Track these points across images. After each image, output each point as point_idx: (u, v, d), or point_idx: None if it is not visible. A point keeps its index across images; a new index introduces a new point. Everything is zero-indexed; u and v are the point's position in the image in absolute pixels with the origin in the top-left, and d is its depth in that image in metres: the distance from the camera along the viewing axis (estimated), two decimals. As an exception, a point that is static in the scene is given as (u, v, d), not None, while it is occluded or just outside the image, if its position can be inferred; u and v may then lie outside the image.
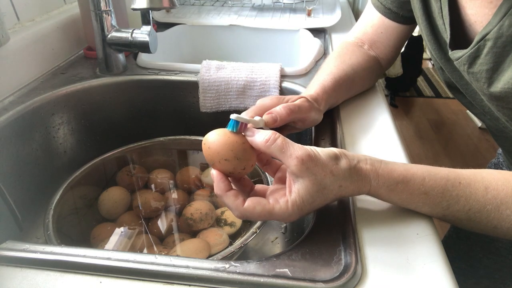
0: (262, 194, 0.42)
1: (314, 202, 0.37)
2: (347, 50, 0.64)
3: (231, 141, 0.38)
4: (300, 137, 0.73)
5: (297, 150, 0.36)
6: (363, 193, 0.39)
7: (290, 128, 0.53)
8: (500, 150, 0.74)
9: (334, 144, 0.54)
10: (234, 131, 0.38)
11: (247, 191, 0.43)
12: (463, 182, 0.38)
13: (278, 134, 0.37)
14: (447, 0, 0.46)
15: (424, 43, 0.56)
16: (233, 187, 0.40)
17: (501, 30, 0.40)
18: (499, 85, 0.42)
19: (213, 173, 0.39)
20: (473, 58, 0.44)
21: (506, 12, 0.39)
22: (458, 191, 0.38)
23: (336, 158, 0.37)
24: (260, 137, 0.37)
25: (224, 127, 0.40)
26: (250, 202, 0.37)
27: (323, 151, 0.37)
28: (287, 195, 0.37)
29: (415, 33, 0.66)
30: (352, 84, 0.61)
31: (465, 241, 0.78)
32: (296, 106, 0.48)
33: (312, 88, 0.56)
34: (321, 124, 0.58)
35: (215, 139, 0.38)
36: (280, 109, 0.46)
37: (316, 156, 0.36)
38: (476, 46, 0.43)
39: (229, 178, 0.40)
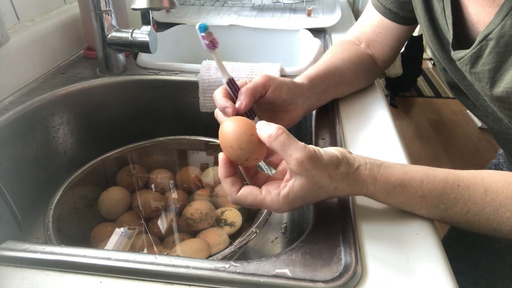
0: (263, 181, 0.42)
1: (306, 198, 0.37)
2: (340, 46, 0.64)
3: (239, 131, 0.38)
4: (301, 137, 0.73)
5: (298, 150, 0.35)
6: (359, 194, 0.39)
7: (285, 118, 0.52)
8: (500, 151, 0.74)
9: (334, 143, 0.54)
10: (204, 33, 0.44)
11: (250, 175, 0.43)
12: (462, 184, 0.38)
13: (282, 129, 0.36)
14: None
15: (424, 43, 0.56)
16: (239, 170, 0.40)
17: (503, 29, 0.39)
18: (501, 85, 0.42)
19: (220, 156, 0.40)
20: (475, 58, 0.43)
21: (508, 12, 0.39)
22: (456, 194, 0.38)
23: (338, 163, 0.37)
24: (265, 131, 0.37)
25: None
26: (243, 191, 0.38)
27: (326, 153, 0.37)
28: (281, 187, 0.37)
29: (415, 33, 0.66)
30: (343, 75, 0.60)
31: (464, 241, 0.78)
32: (254, 84, 0.47)
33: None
34: (321, 123, 0.58)
35: (227, 126, 0.39)
36: (242, 94, 0.46)
37: (318, 158, 0.36)
38: (478, 46, 0.42)
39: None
